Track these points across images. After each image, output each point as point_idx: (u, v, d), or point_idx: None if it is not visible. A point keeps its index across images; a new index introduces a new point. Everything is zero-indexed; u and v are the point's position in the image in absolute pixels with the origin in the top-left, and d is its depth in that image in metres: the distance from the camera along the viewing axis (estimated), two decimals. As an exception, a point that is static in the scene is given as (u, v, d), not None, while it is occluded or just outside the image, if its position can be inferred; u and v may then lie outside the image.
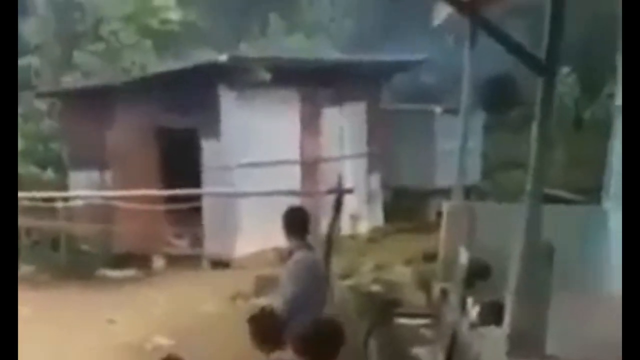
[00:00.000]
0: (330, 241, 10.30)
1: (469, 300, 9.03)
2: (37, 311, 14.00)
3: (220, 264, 17.42)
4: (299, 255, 7.40)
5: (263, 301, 12.81)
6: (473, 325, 8.55)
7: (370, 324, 10.83)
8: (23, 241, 18.43)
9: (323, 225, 10.98)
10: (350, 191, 11.56)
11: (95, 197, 17.88)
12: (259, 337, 6.57)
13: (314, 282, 7.36)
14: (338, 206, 10.86)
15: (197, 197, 17.05)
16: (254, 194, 16.28)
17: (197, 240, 18.26)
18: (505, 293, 7.43)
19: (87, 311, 13.99)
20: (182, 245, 18.60)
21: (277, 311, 6.86)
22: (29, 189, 17.10)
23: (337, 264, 12.08)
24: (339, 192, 11.05)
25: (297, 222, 7.55)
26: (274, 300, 7.29)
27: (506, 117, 21.96)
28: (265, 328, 6.57)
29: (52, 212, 18.19)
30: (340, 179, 11.35)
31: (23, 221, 18.02)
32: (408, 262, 15.27)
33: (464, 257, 9.79)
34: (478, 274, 9.28)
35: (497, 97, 16.66)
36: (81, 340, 12.37)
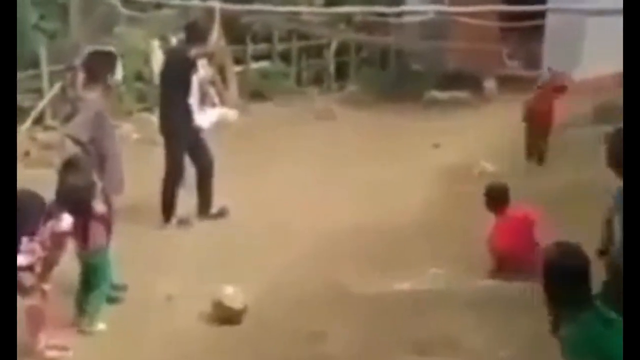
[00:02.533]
0: None
1: None
2: (360, 131, 13.88)
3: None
4: None
5: (601, 129, 11.67)
6: None
7: None
8: (351, 58, 18.28)
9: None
10: None
11: (430, 12, 17.01)
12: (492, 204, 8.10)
13: None
14: None
15: (540, 14, 15.66)
16: (607, 11, 14.63)
17: (533, 62, 17.01)
18: None
19: (412, 133, 13.61)
20: (515, 67, 17.44)
21: None
22: (361, 4, 16.67)
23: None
24: None
25: None
26: None
27: None
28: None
29: (385, 28, 17.72)
30: None
31: (354, 36, 17.84)
32: None
33: None
34: None
35: None
36: (404, 163, 12.03)
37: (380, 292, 7.80)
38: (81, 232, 7.02)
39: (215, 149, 10.19)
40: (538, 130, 12.16)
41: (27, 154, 12.46)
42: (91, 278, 7.19)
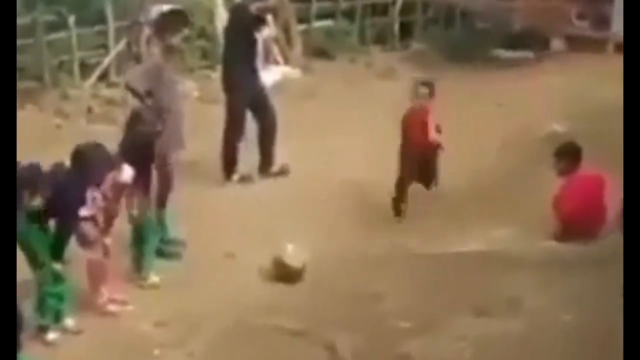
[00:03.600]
0: None
1: None
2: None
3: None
4: None
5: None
6: None
7: None
8: (417, 17, 18.06)
9: None
10: None
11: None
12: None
13: None
14: None
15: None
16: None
17: (602, 22, 16.59)
18: None
19: (476, 92, 13.39)
20: (583, 27, 17.04)
21: None
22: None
23: None
24: None
25: None
26: None
27: None
28: None
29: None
30: None
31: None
32: None
33: None
34: None
35: None
36: (469, 122, 11.84)
37: (441, 253, 7.76)
38: (142, 185, 7.12)
39: (278, 107, 10.18)
40: (412, 156, 9.06)
41: (90, 110, 12.58)
42: (141, 232, 7.28)
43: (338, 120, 12.00)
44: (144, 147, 7.14)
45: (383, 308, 6.75)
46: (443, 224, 8.37)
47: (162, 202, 7.78)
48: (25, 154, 6.37)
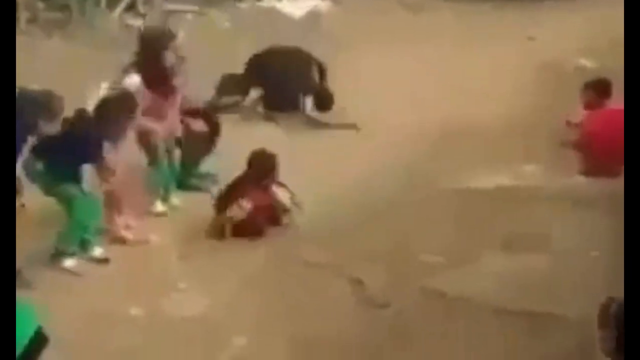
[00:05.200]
0: None
1: None
2: (451, 24, 13.58)
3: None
4: None
5: None
6: None
7: None
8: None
9: None
10: None
11: None
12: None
13: None
14: None
15: None
16: None
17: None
18: None
19: (506, 26, 13.19)
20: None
21: None
22: None
23: None
24: None
25: None
26: None
27: None
28: None
29: None
30: None
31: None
32: None
33: None
34: None
35: None
36: (498, 56, 11.76)
37: (469, 187, 7.71)
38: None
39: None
40: None
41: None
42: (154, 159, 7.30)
43: (362, 52, 11.77)
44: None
45: (411, 242, 6.75)
46: (473, 158, 8.30)
47: (208, 148, 7.84)
48: (51, 82, 6.36)
